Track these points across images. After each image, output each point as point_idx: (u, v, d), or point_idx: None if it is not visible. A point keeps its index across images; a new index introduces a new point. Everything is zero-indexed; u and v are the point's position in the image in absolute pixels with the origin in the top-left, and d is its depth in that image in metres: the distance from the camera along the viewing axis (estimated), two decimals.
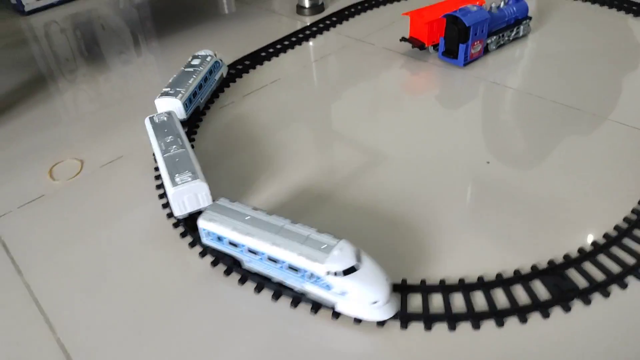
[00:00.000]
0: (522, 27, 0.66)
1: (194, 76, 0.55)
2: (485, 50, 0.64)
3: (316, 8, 0.81)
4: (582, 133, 0.49)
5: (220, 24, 0.80)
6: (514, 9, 0.65)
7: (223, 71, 0.62)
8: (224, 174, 0.47)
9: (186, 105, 0.53)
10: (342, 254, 0.31)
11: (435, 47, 0.64)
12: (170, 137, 0.45)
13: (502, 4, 0.64)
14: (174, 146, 0.44)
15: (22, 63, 0.72)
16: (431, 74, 0.62)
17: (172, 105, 0.52)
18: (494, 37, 0.63)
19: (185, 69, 0.56)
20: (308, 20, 0.78)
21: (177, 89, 0.53)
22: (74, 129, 0.56)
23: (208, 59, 0.59)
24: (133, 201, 0.45)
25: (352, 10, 0.79)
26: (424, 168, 0.46)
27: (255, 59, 0.67)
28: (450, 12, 0.60)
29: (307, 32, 0.73)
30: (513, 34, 0.66)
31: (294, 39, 0.72)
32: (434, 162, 0.47)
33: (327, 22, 0.76)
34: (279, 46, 0.70)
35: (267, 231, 0.34)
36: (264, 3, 0.87)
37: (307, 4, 0.81)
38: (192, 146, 0.48)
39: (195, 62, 0.58)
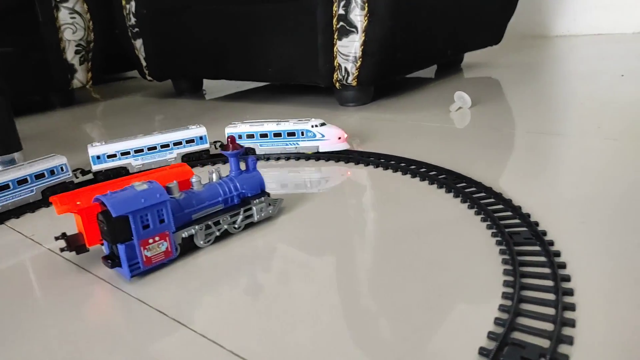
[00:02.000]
0: (255, 208, 0.43)
1: None
2: (193, 247, 0.40)
3: None
4: None
5: None
6: (237, 183, 0.43)
7: None
8: None
9: None
10: None
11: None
12: None
13: (213, 177, 0.43)
14: None
15: None
16: (85, 298, 0.36)
17: None
18: (197, 228, 0.40)
19: None
20: None
21: None
22: None
23: None
24: None
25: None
26: None
27: None
28: (100, 195, 0.37)
29: None
30: (240, 220, 0.43)
31: None
32: None
33: None
34: None
35: None
36: None
37: None
38: None
39: None
